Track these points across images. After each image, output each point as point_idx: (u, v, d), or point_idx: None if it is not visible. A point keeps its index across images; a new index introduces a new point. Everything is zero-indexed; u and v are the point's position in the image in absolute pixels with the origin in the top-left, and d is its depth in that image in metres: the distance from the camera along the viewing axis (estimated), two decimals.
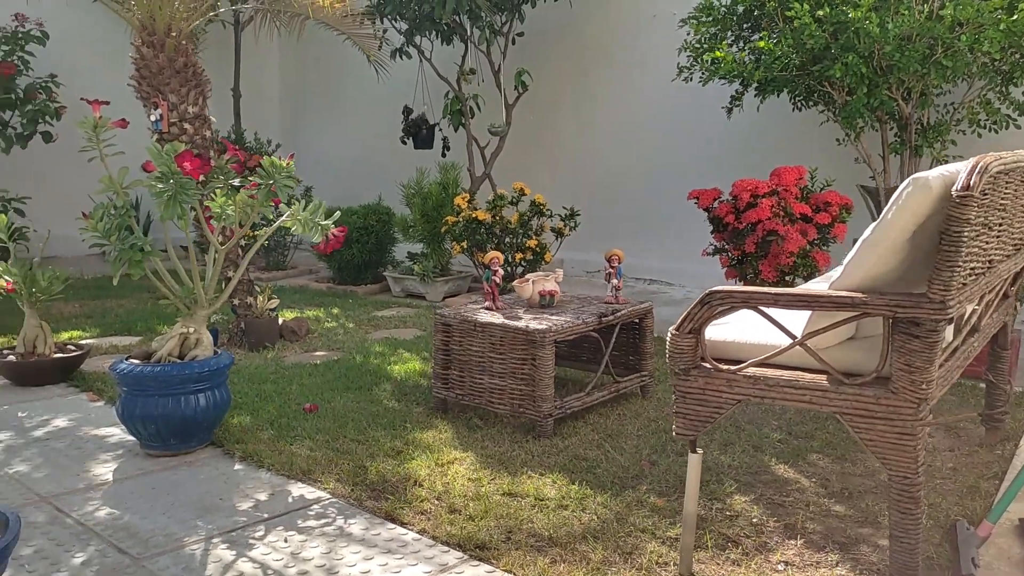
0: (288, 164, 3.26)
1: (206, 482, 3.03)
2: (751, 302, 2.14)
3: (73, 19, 8.36)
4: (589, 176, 7.69)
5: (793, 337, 2.13)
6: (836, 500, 2.85)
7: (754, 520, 2.69)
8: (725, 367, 2.24)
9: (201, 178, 3.15)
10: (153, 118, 4.73)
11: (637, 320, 4.02)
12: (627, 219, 7.42)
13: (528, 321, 3.57)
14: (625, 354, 4.10)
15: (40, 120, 7.83)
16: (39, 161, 8.36)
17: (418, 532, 2.61)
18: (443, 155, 7.67)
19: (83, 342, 4.84)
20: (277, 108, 10.49)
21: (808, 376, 2.13)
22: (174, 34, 4.80)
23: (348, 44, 6.62)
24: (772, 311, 2.18)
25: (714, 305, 2.20)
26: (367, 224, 6.99)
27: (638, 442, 3.40)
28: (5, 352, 4.38)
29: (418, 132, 7.79)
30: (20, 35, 7.85)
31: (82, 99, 3.24)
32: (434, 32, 7.01)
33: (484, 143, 7.32)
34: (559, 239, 6.30)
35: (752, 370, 2.20)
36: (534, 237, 6.20)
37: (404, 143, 7.96)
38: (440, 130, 7.81)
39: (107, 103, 3.17)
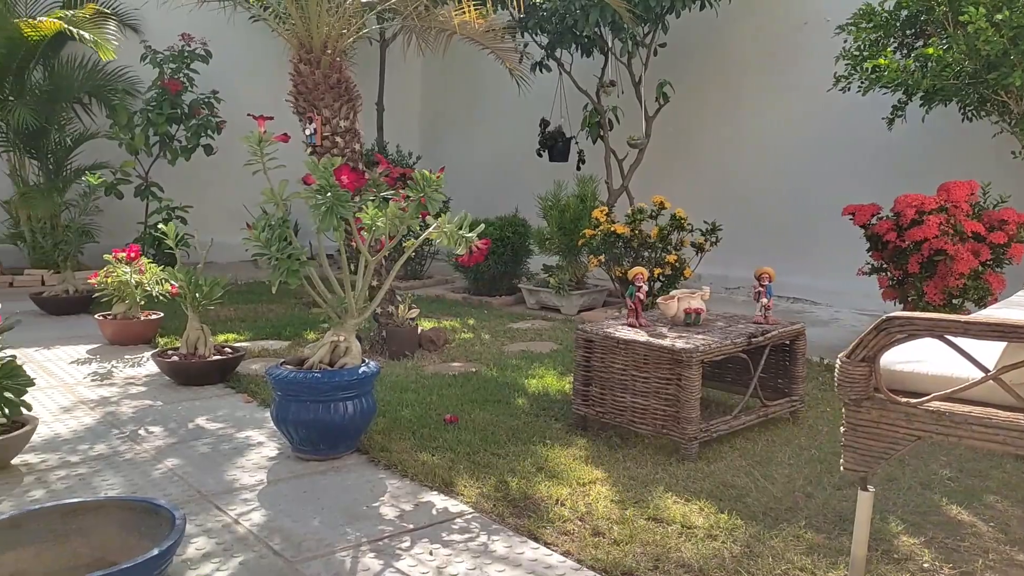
0: (438, 178, 3.30)
1: (353, 489, 3.09)
2: (937, 330, 1.96)
3: (233, 38, 8.86)
4: (731, 189, 7.46)
5: (986, 370, 1.93)
6: (1019, 548, 2.59)
7: (925, 565, 2.47)
8: (903, 400, 2.06)
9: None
10: (308, 132, 4.93)
11: (788, 342, 3.83)
12: (770, 234, 7.14)
13: (673, 339, 3.45)
14: (774, 377, 3.91)
15: (203, 134, 8.35)
16: (199, 172, 8.90)
17: (562, 554, 2.55)
18: (578, 168, 7.63)
19: (238, 345, 5.09)
20: (417, 121, 10.77)
21: (1003, 414, 1.93)
22: (329, 51, 4.98)
23: (487, 59, 6.70)
24: (958, 340, 1.99)
25: (892, 332, 2.03)
26: (503, 236, 7.03)
27: (790, 471, 3.22)
28: (169, 352, 4.65)
29: (554, 145, 7.79)
30: (186, 54, 8.41)
31: (249, 115, 3.40)
32: (574, 45, 6.99)
33: (622, 156, 7.23)
34: (699, 254, 6.12)
35: (935, 404, 2.02)
36: (673, 252, 6.05)
37: (540, 155, 7.97)
38: (576, 143, 7.77)
39: (271, 118, 3.31)
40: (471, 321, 6.29)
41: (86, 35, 6.95)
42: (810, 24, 6.60)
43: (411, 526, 2.76)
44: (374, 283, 4.90)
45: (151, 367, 4.86)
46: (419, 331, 5.32)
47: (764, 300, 3.83)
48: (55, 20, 7.09)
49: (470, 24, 5.42)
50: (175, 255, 4.78)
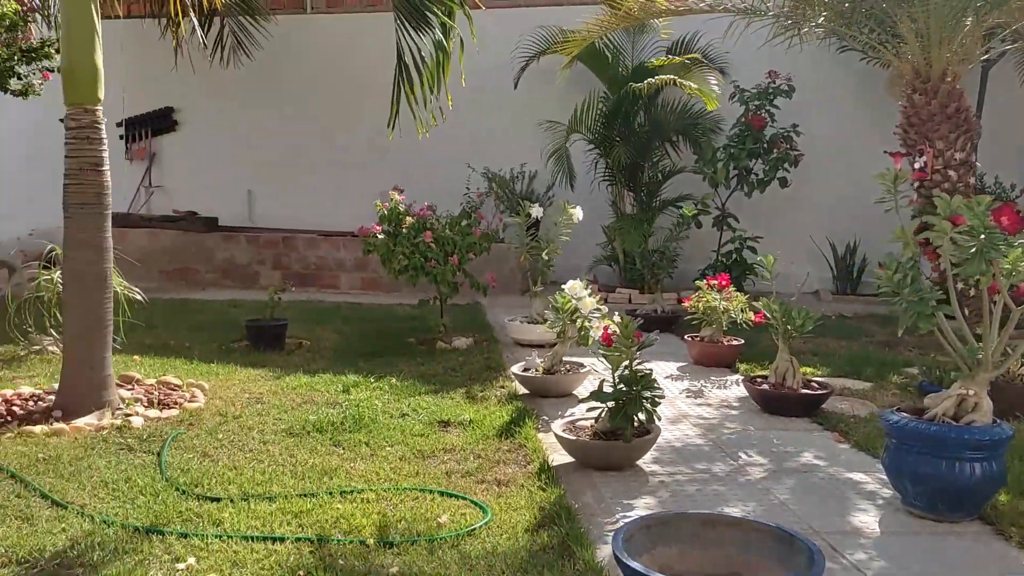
0: None
1: (981, 562, 2.78)
2: None
3: (811, 72, 8.86)
4: None
5: None
6: None
7: None
8: None
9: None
10: (918, 165, 4.65)
11: None
12: None
13: None
14: None
15: (780, 167, 8.53)
16: (770, 204, 9.09)
17: None
18: None
19: (818, 379, 5.03)
20: (1018, 149, 9.44)
21: None
22: (948, 79, 4.64)
23: None
24: None
25: None
26: None
27: None
28: (758, 380, 4.80)
29: None
30: (771, 90, 8.68)
31: (885, 151, 3.32)
32: None
33: None
34: None
35: None
36: None
37: None
38: None
39: (907, 155, 3.18)
40: None
41: (693, 85, 7.63)
42: None
43: None
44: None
45: (737, 391, 5.08)
46: None
47: None
48: (666, 76, 7.95)
49: None
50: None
